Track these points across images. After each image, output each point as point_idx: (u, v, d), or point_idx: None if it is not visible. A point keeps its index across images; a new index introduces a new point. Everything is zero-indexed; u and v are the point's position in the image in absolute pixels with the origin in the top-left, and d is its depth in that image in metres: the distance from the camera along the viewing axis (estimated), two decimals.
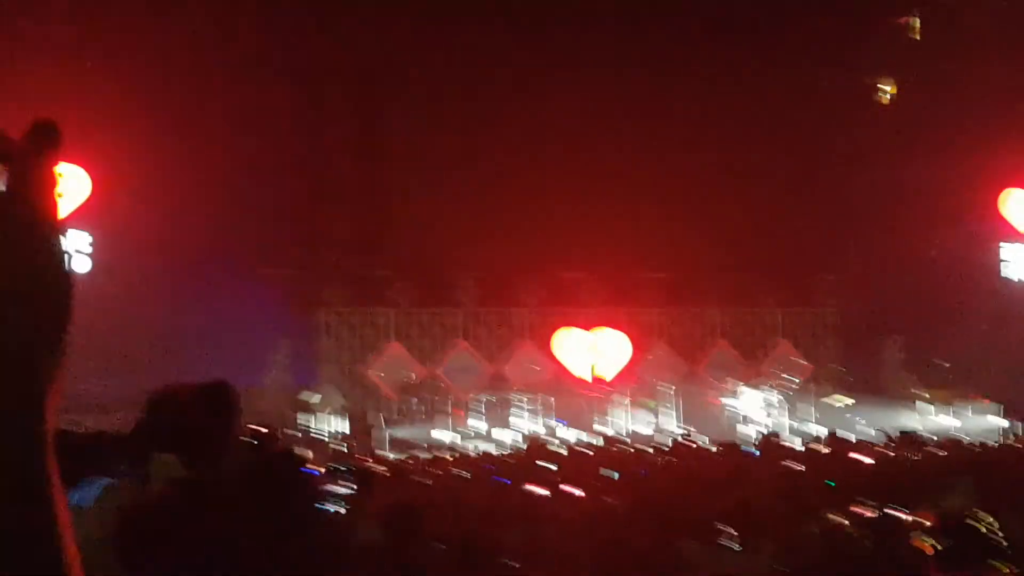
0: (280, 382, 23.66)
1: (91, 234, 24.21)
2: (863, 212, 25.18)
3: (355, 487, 5.91)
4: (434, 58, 25.24)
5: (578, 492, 10.03)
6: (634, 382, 25.06)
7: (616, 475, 11.75)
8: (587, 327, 25.83)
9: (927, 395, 24.79)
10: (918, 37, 27.38)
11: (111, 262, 23.72)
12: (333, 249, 26.17)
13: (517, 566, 5.76)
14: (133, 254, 22.87)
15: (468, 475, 13.47)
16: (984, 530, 2.60)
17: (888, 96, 27.89)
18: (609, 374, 25.52)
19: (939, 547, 2.62)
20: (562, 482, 10.98)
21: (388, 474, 11.48)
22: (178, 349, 19.17)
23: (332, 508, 5.78)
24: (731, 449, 15.76)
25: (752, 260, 25.88)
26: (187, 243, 22.13)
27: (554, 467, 12.96)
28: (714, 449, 17.68)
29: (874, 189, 24.88)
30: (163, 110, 22.75)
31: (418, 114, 25.63)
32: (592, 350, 25.67)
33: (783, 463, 14.11)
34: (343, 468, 6.16)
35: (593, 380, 25.34)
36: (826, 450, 15.09)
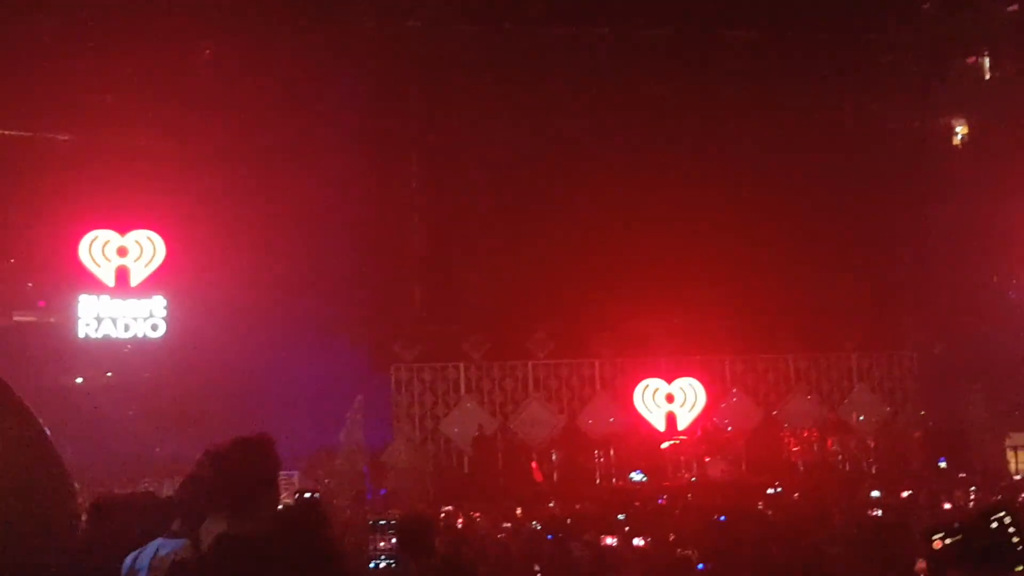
0: (354, 438, 23.64)
1: (165, 298, 24.62)
2: (943, 252, 24.64)
3: (401, 541, 5.75)
4: (509, 114, 25.44)
5: (642, 542, 9.75)
6: (709, 430, 24.61)
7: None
8: (663, 376, 25.53)
9: (1016, 440, 23.95)
10: (989, 75, 26.93)
11: (185, 325, 24.11)
12: (405, 303, 26.31)
13: None
14: (207, 317, 23.21)
15: (540, 527, 13.24)
16: (1002, 528, 2.40)
17: (963, 137, 27.42)
18: (684, 423, 25.14)
19: (951, 542, 2.43)
20: (634, 533, 10.73)
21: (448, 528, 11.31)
22: (252, 410, 19.27)
23: (379, 563, 5.63)
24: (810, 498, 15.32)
25: (827, 303, 25.42)
26: (259, 305, 22.39)
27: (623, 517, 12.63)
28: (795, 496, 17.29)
29: (954, 228, 24.37)
30: (238, 174, 23.19)
31: (492, 170, 25.79)
32: (669, 400, 25.37)
33: (868, 512, 13.71)
34: (384, 522, 5.99)
35: (668, 429, 24.98)
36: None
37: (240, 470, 3.51)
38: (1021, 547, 2.37)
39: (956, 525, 2.44)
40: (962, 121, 27.45)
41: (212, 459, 3.58)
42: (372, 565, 5.59)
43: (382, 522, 5.96)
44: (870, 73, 25.79)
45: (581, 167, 25.38)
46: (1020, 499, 13.34)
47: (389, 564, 5.65)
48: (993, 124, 26.03)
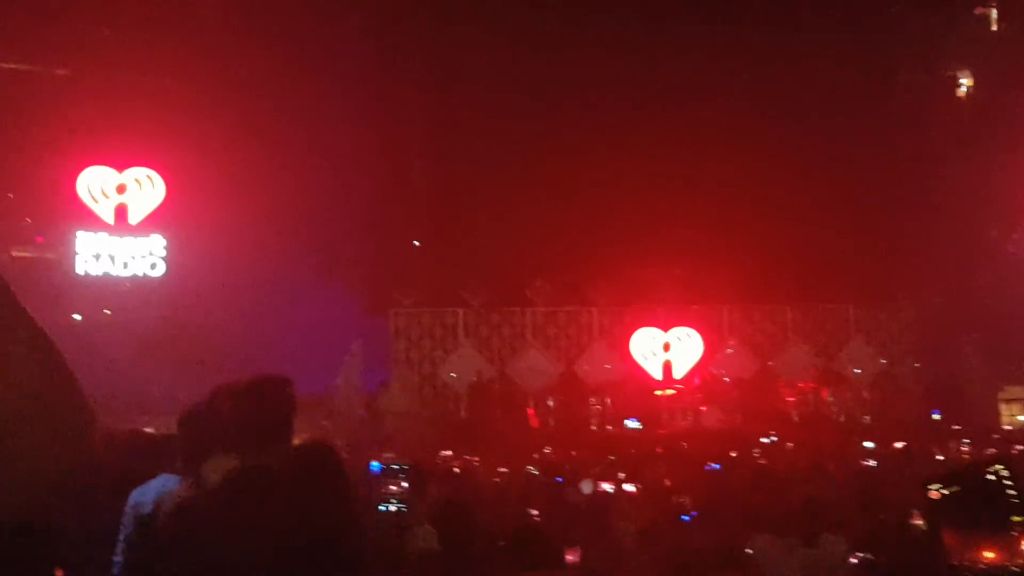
0: (353, 382, 23.78)
1: (165, 237, 24.58)
2: (943, 204, 24.56)
3: (411, 485, 5.81)
4: (509, 61, 25.25)
5: (633, 488, 9.86)
6: (705, 379, 24.76)
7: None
8: (660, 325, 25.62)
9: (1009, 393, 24.13)
10: (995, 28, 26.70)
11: (185, 265, 24.10)
12: (404, 250, 26.29)
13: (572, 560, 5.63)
14: (206, 257, 23.19)
15: (536, 472, 13.37)
16: (996, 481, 2.45)
17: (967, 89, 27.25)
18: (680, 372, 25.28)
19: (947, 493, 2.48)
20: (632, 477, 10.84)
21: (447, 473, 11.41)
22: (250, 351, 19.32)
23: (391, 507, 5.69)
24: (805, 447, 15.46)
25: (826, 255, 25.40)
26: (259, 247, 22.35)
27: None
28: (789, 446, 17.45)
29: (952, 183, 24.27)
30: (238, 114, 23.03)
31: (491, 117, 25.63)
32: (666, 349, 25.48)
33: (861, 462, 13.85)
34: (397, 467, 6.07)
35: (664, 378, 25.12)
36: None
37: (259, 407, 3.54)
38: (1016, 498, 2.40)
39: (953, 476, 2.47)
40: (967, 73, 27.27)
41: (230, 394, 3.60)
42: (383, 508, 5.66)
43: (395, 467, 6.03)
44: (874, 23, 25.56)
45: (584, 115, 25.27)
46: (1014, 451, 13.46)
47: (400, 508, 5.72)
48: (998, 76, 25.87)
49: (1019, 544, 2.30)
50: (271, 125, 22.97)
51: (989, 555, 2.29)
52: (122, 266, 24.52)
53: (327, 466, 4.04)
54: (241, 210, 22.38)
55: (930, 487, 2.42)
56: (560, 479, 11.75)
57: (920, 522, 6.62)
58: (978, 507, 2.35)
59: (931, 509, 2.38)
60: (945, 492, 2.36)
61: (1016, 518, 2.31)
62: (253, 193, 22.57)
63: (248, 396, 3.49)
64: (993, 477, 2.35)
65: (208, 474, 3.73)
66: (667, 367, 25.38)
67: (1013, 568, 2.27)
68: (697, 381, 24.77)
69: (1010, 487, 2.35)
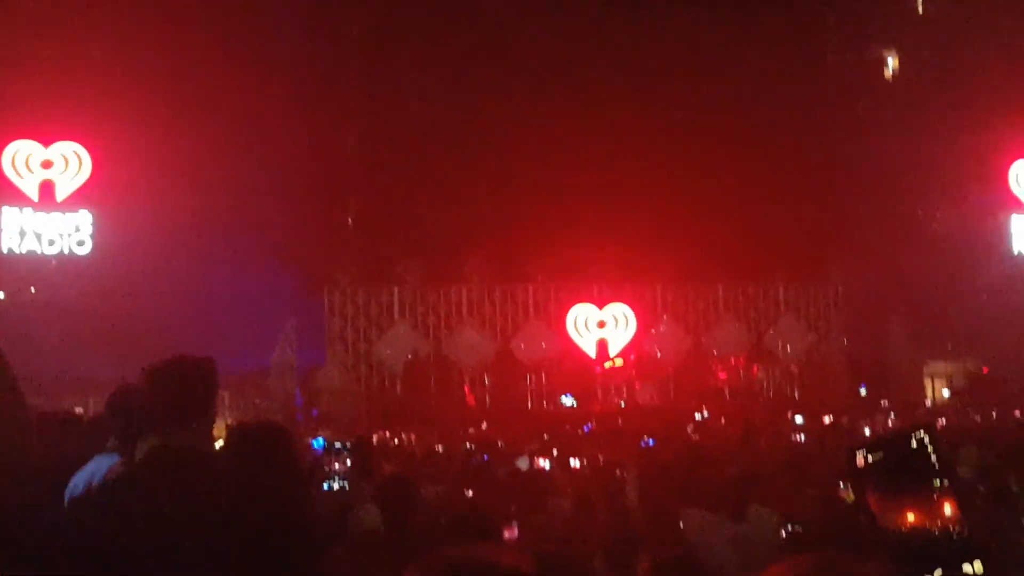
0: (286, 361, 23.64)
1: (92, 213, 24.12)
2: (868, 186, 24.99)
3: (354, 463, 5.83)
4: (443, 34, 25.14)
5: (576, 463, 9.97)
6: (639, 356, 25.00)
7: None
8: (595, 302, 25.78)
9: (933, 369, 24.71)
10: (921, 9, 27.16)
11: (112, 242, 23.68)
12: (339, 227, 26.11)
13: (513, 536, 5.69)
14: (135, 235, 22.80)
15: (473, 449, 13.42)
16: (919, 446, 2.57)
17: (893, 69, 27.70)
18: (615, 349, 25.49)
19: (872, 459, 2.59)
20: (567, 453, 10.94)
21: (388, 451, 11.43)
22: (181, 330, 19.09)
23: (333, 485, 5.71)
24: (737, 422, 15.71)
25: (757, 235, 25.71)
26: (190, 224, 22.05)
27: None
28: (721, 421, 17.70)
29: (880, 163, 24.69)
30: (169, 88, 22.62)
31: (426, 91, 25.50)
32: (601, 326, 25.66)
33: (791, 437, 14.11)
34: (340, 444, 6.06)
35: (599, 355, 25.31)
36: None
37: (178, 387, 3.54)
38: (938, 465, 2.53)
39: (878, 443, 2.58)
40: (893, 53, 27.70)
41: (152, 373, 3.61)
42: (326, 487, 5.68)
43: (338, 445, 6.03)
44: (803, 3, 25.83)
45: (521, 90, 25.23)
46: (938, 424, 13.82)
47: (343, 485, 5.75)
48: (924, 56, 26.32)
49: (940, 507, 2.41)
50: (203, 101, 22.60)
51: (912, 518, 2.40)
52: (48, 243, 24.01)
53: (264, 446, 4.06)
54: (171, 187, 22.02)
55: (856, 453, 2.51)
56: (496, 456, 11.81)
57: (848, 492, 6.80)
58: (902, 472, 2.45)
59: (857, 475, 2.48)
60: (870, 458, 2.46)
61: (936, 482, 2.42)
62: (184, 170, 22.21)
63: (168, 377, 3.50)
64: (916, 443, 2.45)
65: (140, 454, 3.73)
66: (602, 344, 25.57)
67: (934, 530, 2.38)
68: (632, 358, 25.00)
69: (932, 453, 2.46)
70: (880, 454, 2.52)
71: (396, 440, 15.84)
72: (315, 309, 24.78)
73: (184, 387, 3.53)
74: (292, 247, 23.90)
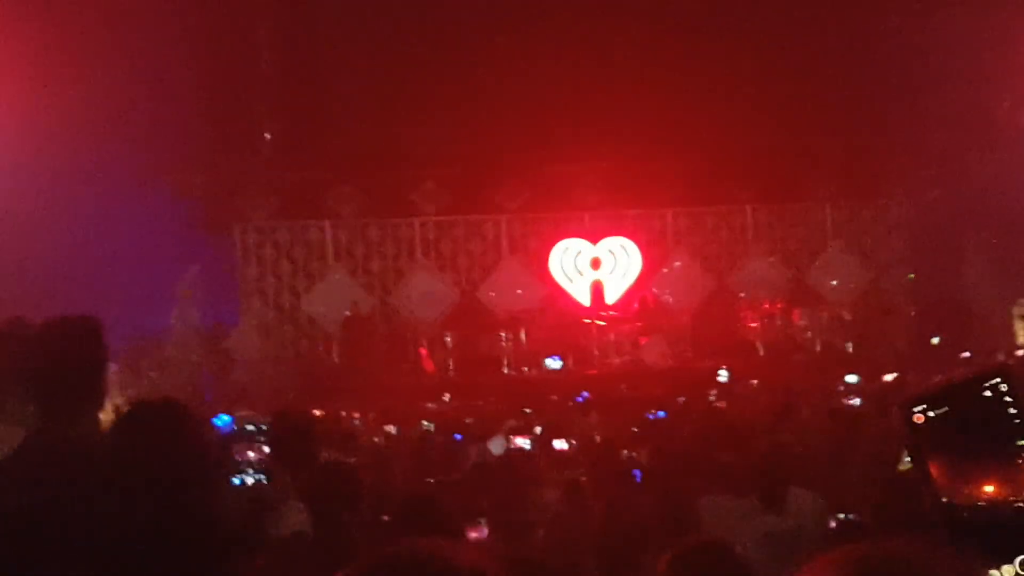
0: (189, 321, 23.60)
1: None
2: (933, 75, 24.94)
3: (273, 449, 5.80)
4: None
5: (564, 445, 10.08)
6: (645, 303, 25.07)
7: None
8: (587, 236, 25.81)
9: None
10: None
11: None
12: (251, 148, 25.90)
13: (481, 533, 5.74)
14: None
15: (433, 429, 13.51)
16: (993, 398, 2.55)
17: None
18: (614, 295, 25.55)
19: (934, 415, 2.58)
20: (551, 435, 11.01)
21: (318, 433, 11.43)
22: (49, 284, 18.95)
23: (245, 479, 5.68)
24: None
25: (794, 140, 25.70)
26: (60, 147, 21.82)
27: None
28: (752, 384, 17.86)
29: (946, 45, 24.63)
30: None
31: None
32: (595, 266, 25.70)
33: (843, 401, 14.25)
34: (253, 427, 6.03)
35: (593, 304, 25.38)
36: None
37: (56, 359, 3.48)
38: (1019, 418, 2.49)
39: (941, 395, 2.55)
40: None
41: (16, 342, 3.55)
42: (238, 481, 5.64)
43: (250, 427, 6.00)
44: None
45: None
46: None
47: (259, 479, 5.71)
48: None
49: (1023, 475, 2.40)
50: None
51: (988, 489, 2.38)
52: None
53: (157, 432, 4.01)
54: (36, 100, 21.76)
55: (913, 410, 2.49)
56: (462, 436, 11.88)
57: (905, 461, 6.85)
58: (973, 431, 2.43)
59: (915, 437, 2.46)
60: (931, 415, 2.44)
61: (1020, 442, 2.39)
62: (50, 78, 21.96)
63: (41, 345, 3.42)
64: (990, 393, 2.43)
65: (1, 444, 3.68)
66: (597, 289, 25.63)
67: (1019, 503, 2.36)
68: (635, 306, 25.08)
69: (1011, 404, 2.43)
70: (944, 408, 2.51)
71: (333, 419, 15.87)
72: (223, 253, 24.71)
73: (63, 360, 3.47)
74: (189, 173, 23.71)
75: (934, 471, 2.45)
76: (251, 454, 5.88)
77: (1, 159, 21.81)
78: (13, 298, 18.07)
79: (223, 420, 9.58)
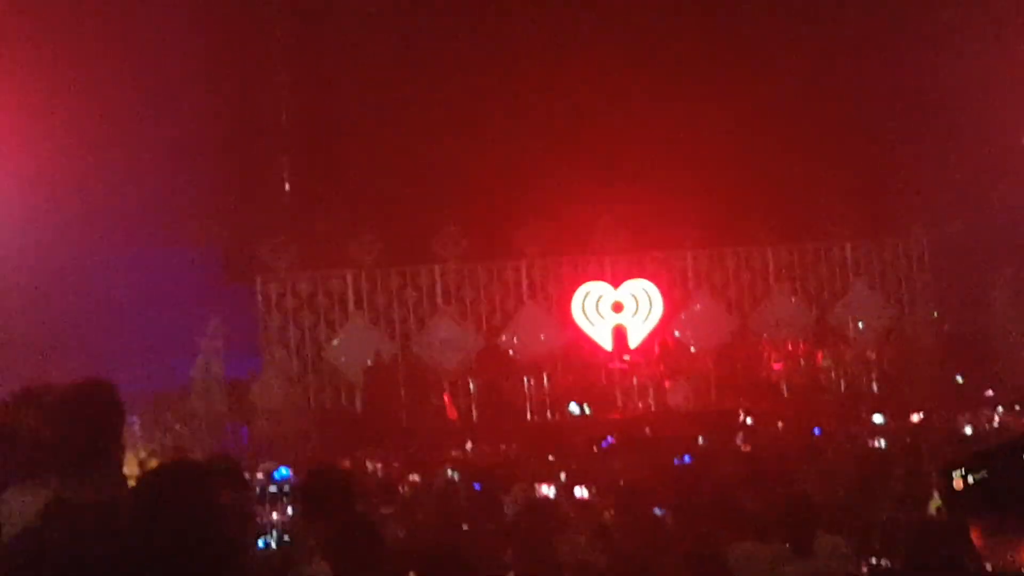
0: (212, 372, 23.61)
1: None
2: (956, 105, 24.90)
3: (297, 509, 5.75)
4: None
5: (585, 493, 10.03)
6: (668, 346, 25.02)
7: None
8: (608, 280, 25.78)
9: None
10: None
11: None
12: (271, 198, 26.02)
13: None
14: (7, 218, 22.70)
15: (457, 477, 13.46)
16: None
17: None
18: (636, 338, 25.49)
19: (974, 480, 2.56)
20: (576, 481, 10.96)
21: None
22: (69, 340, 19.02)
23: (271, 542, 5.61)
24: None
25: (813, 179, 25.65)
26: (79, 196, 21.93)
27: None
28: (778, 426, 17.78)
29: (969, 74, 24.61)
30: (55, 22, 22.50)
31: (383, 16, 25.41)
32: (616, 310, 25.66)
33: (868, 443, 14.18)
34: (275, 489, 5.97)
35: (616, 348, 25.32)
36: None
37: (71, 423, 3.49)
38: None
39: (981, 458, 2.53)
40: None
41: (33, 406, 3.55)
42: (262, 544, 5.55)
43: (272, 489, 5.92)
44: None
45: (502, 12, 25.15)
46: None
47: (284, 542, 5.61)
48: None
49: None
50: (97, 41, 22.49)
51: None
52: None
53: (182, 495, 3.99)
54: (54, 145, 21.89)
55: (953, 474, 2.46)
56: (486, 484, 11.83)
57: (942, 515, 6.80)
58: (1016, 496, 2.40)
59: (955, 501, 2.42)
60: (972, 479, 2.41)
61: None
62: (72, 123, 22.10)
63: (59, 412, 3.44)
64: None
65: (6, 510, 3.67)
66: (619, 333, 25.57)
67: None
68: (658, 349, 25.02)
69: None
70: (984, 473, 2.48)
71: (358, 470, 15.85)
72: (245, 304, 24.72)
73: (82, 423, 3.48)
74: (212, 225, 23.79)
75: (975, 536, 2.43)
76: (275, 515, 5.82)
77: (26, 211, 21.95)
78: (39, 351, 18.19)
79: (281, 474, 9.56)
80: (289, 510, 5.57)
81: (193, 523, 3.48)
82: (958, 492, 2.49)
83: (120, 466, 3.67)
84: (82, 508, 3.46)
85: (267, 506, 5.62)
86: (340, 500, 6.18)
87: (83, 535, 3.41)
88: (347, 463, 16.86)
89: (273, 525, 5.54)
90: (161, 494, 3.57)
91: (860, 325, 26.13)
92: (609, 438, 17.25)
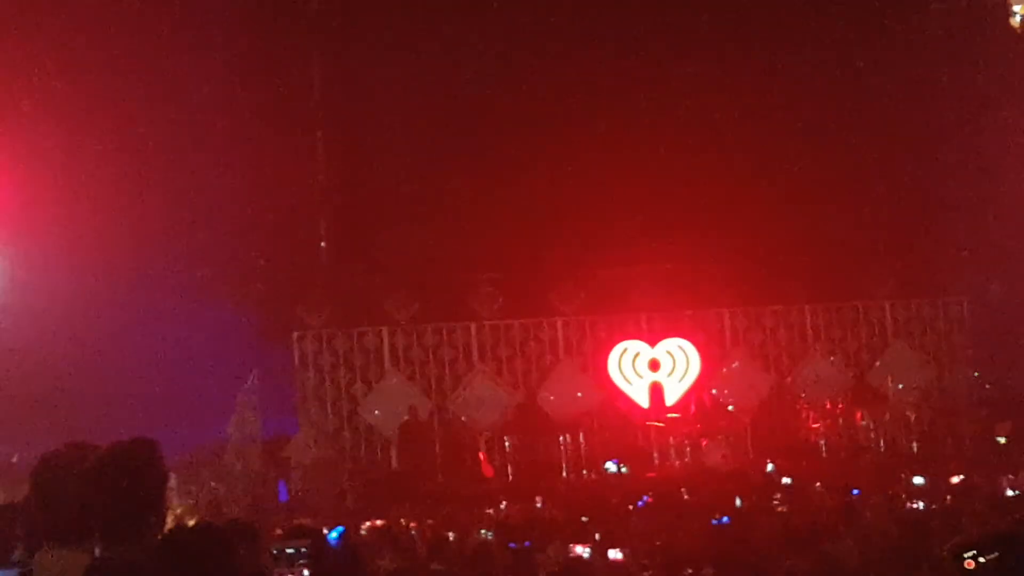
0: (248, 429, 23.66)
1: None
2: (995, 169, 24.87)
3: (314, 572, 5.69)
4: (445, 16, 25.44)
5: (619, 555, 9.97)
6: (705, 404, 24.90)
7: None
8: (644, 338, 25.72)
9: None
10: None
11: (22, 281, 23.75)
12: (308, 256, 26.15)
13: None
14: (50, 271, 22.88)
15: (492, 537, 13.41)
16: None
17: (1022, 16, 27.59)
18: (673, 396, 25.39)
19: (985, 562, 2.52)
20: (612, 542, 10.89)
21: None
22: (109, 397, 19.10)
23: None
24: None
25: (852, 239, 25.60)
26: (121, 257, 22.11)
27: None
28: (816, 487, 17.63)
29: (1008, 138, 24.59)
30: (97, 91, 22.78)
31: (415, 78, 25.63)
32: (653, 368, 25.59)
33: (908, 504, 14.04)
34: (292, 550, 5.90)
35: (652, 406, 25.23)
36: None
37: (117, 482, 3.49)
38: None
39: (993, 539, 2.49)
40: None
41: (76, 466, 3.56)
42: None
43: (289, 550, 5.87)
44: None
45: (538, 73, 25.32)
46: None
47: None
48: None
49: None
50: (137, 104, 22.76)
51: None
52: None
53: (220, 558, 3.98)
54: (97, 210, 22.12)
55: (964, 556, 2.43)
56: (520, 544, 11.77)
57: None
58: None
59: None
60: (982, 560, 2.38)
61: None
62: (113, 189, 22.34)
63: (102, 472, 3.44)
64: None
65: (43, 571, 3.66)
66: (656, 391, 25.48)
67: None
68: (694, 408, 24.91)
69: None
70: (994, 555, 2.45)
71: (392, 528, 15.80)
72: (282, 361, 24.79)
73: (126, 484, 3.48)
74: (249, 282, 23.92)
75: None
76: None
77: (64, 269, 22.13)
78: (78, 413, 18.26)
79: (336, 533, 9.55)
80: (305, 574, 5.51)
81: None
82: (969, 571, 2.46)
83: (161, 528, 3.67)
84: (122, 570, 3.45)
85: (287, 570, 5.57)
86: (369, 557, 6.15)
87: None
88: (381, 521, 16.84)
89: None
90: (177, 555, 3.58)
91: (899, 385, 25.93)
92: (645, 497, 17.14)
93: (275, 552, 6.15)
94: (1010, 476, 17.20)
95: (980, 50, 26.23)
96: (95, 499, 3.48)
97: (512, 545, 11.90)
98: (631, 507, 16.76)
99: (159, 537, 3.61)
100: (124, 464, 3.55)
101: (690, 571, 9.90)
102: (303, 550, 5.99)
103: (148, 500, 3.55)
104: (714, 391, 25.41)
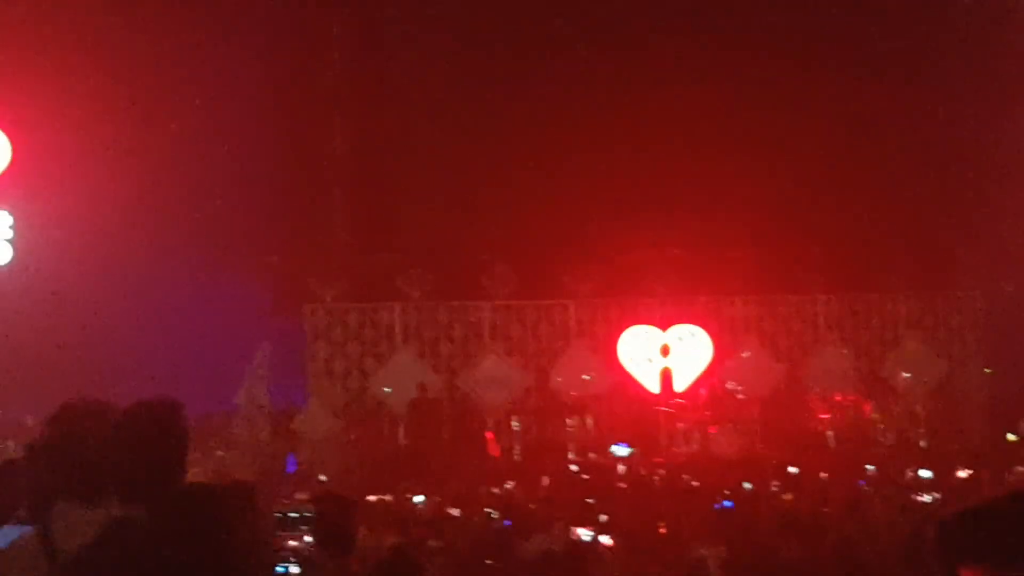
0: (257, 400, 23.71)
1: (11, 214, 24.34)
2: (1012, 163, 24.76)
3: (319, 540, 5.71)
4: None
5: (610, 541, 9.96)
6: (715, 392, 24.90)
7: None
8: (656, 323, 25.70)
9: None
10: None
11: (38, 250, 23.86)
12: (323, 229, 26.18)
13: None
14: (66, 240, 22.97)
15: (497, 516, 13.42)
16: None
17: None
18: (683, 382, 25.38)
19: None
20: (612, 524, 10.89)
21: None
22: (121, 362, 19.16)
23: (289, 567, 5.56)
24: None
25: (867, 231, 25.54)
26: (135, 227, 22.19)
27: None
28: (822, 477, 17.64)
29: (1020, 136, 24.51)
30: (109, 62, 22.82)
31: (431, 55, 25.63)
32: (664, 353, 25.57)
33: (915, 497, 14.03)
34: (296, 514, 5.92)
35: (662, 391, 25.22)
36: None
37: (139, 440, 3.48)
38: None
39: (972, 513, 2.49)
40: None
41: (98, 421, 3.55)
42: (281, 570, 5.55)
43: (293, 514, 5.89)
44: None
45: (554, 54, 25.28)
46: None
47: (300, 571, 5.60)
48: None
49: None
50: (150, 75, 22.79)
51: None
52: None
53: (233, 515, 3.96)
54: (112, 181, 22.19)
55: (941, 525, 2.43)
56: (525, 524, 11.78)
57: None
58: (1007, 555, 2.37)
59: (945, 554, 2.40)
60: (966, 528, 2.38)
61: None
62: (128, 160, 22.39)
63: (126, 429, 3.42)
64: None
65: (60, 526, 3.66)
66: (666, 376, 25.47)
67: None
68: (704, 394, 24.90)
69: None
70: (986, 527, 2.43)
71: (398, 501, 15.86)
72: (293, 333, 24.82)
73: (148, 441, 3.48)
74: (262, 253, 23.96)
75: None
76: (293, 543, 5.79)
77: (78, 235, 22.22)
78: (89, 377, 18.33)
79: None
80: (307, 539, 5.53)
81: (218, 543, 3.47)
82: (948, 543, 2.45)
83: (180, 486, 3.66)
84: (141, 528, 3.44)
85: (290, 534, 5.59)
86: (353, 530, 6.15)
87: (140, 556, 3.39)
88: (388, 496, 16.88)
89: (292, 553, 5.50)
90: (172, 517, 3.57)
91: (910, 378, 25.89)
92: (653, 480, 17.18)
93: (279, 515, 6.18)
94: (1017, 472, 17.18)
95: (999, 45, 26.12)
96: (116, 456, 3.47)
97: (507, 523, 11.93)
98: (635, 490, 16.77)
99: (175, 496, 3.61)
100: (148, 422, 3.55)
101: (691, 553, 9.91)
102: (306, 515, 6.01)
103: (170, 460, 3.55)
104: (724, 379, 25.39)
